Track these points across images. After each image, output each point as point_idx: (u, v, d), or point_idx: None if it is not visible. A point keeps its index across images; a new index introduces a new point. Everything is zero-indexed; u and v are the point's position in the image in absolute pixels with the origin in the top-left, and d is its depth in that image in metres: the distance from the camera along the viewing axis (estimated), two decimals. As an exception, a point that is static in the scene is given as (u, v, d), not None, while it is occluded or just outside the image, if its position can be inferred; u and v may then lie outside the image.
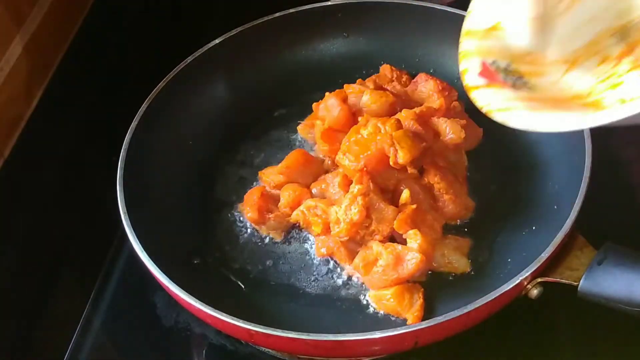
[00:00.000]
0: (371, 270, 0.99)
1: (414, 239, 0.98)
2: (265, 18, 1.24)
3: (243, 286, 1.04)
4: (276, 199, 1.10)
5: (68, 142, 1.23)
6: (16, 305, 1.10)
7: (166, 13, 1.46)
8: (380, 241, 1.00)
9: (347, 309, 1.00)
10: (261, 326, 0.88)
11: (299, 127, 1.18)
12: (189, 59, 1.19)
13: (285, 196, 1.08)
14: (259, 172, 1.14)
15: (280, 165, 1.12)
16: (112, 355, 1.12)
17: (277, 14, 1.24)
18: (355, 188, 1.00)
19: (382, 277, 0.98)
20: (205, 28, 1.28)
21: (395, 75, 1.19)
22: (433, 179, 1.05)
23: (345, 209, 1.00)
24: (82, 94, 1.26)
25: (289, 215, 1.07)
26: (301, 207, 1.06)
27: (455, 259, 1.01)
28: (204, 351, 1.07)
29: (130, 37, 1.38)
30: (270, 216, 1.08)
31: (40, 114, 1.19)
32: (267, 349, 1.04)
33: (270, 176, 1.12)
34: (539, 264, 0.90)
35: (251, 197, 1.09)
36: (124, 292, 1.14)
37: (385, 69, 1.20)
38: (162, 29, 1.42)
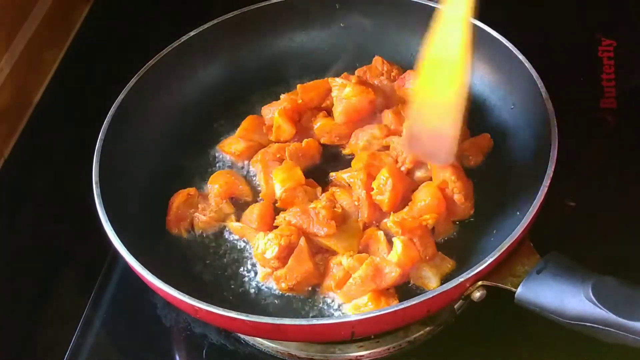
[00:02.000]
0: (345, 285, 0.97)
1: (395, 253, 0.96)
2: (264, 3, 1.24)
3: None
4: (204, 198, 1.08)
5: (68, 142, 1.23)
6: (16, 305, 1.11)
7: (166, 10, 1.46)
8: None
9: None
10: (204, 303, 0.89)
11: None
12: (175, 43, 1.20)
13: (216, 188, 1.08)
14: (218, 146, 1.16)
15: (236, 132, 1.14)
16: (112, 355, 1.12)
17: (275, 0, 1.25)
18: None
19: (360, 289, 0.95)
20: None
21: (385, 69, 1.19)
22: (450, 177, 1.03)
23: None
24: (82, 93, 1.26)
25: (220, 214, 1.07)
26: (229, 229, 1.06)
27: (427, 277, 0.98)
28: (204, 351, 1.06)
29: (130, 37, 1.38)
30: (199, 218, 1.07)
31: (40, 114, 1.19)
32: (268, 350, 1.04)
33: (231, 146, 1.14)
34: (481, 267, 0.88)
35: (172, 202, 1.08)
36: (124, 292, 1.14)
37: (377, 61, 1.20)
38: (162, 27, 1.42)
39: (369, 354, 1.02)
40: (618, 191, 1.16)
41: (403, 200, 1.04)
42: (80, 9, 1.33)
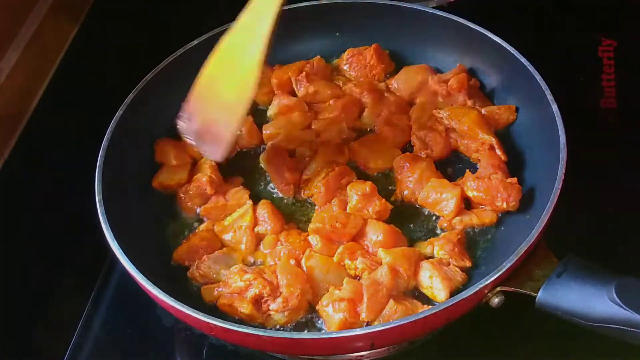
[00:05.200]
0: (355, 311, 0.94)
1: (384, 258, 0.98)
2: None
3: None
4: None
5: (68, 142, 1.23)
6: (17, 305, 1.10)
7: (166, 11, 1.46)
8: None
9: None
10: (219, 320, 0.88)
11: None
12: (171, 57, 1.20)
13: None
14: (154, 185, 1.15)
15: (169, 161, 1.16)
16: (112, 355, 1.12)
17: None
18: None
19: (378, 300, 0.94)
20: (203, 24, 1.28)
21: (372, 62, 1.21)
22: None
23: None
24: (82, 94, 1.26)
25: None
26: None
27: (438, 289, 0.96)
28: (204, 351, 1.07)
29: (131, 37, 1.38)
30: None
31: (40, 114, 1.19)
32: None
33: (173, 178, 1.14)
34: (499, 273, 0.88)
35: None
36: (124, 292, 1.14)
37: (368, 51, 1.22)
38: (162, 27, 1.42)
39: (369, 354, 1.02)
40: (618, 191, 1.16)
41: None
42: (81, 9, 1.33)
